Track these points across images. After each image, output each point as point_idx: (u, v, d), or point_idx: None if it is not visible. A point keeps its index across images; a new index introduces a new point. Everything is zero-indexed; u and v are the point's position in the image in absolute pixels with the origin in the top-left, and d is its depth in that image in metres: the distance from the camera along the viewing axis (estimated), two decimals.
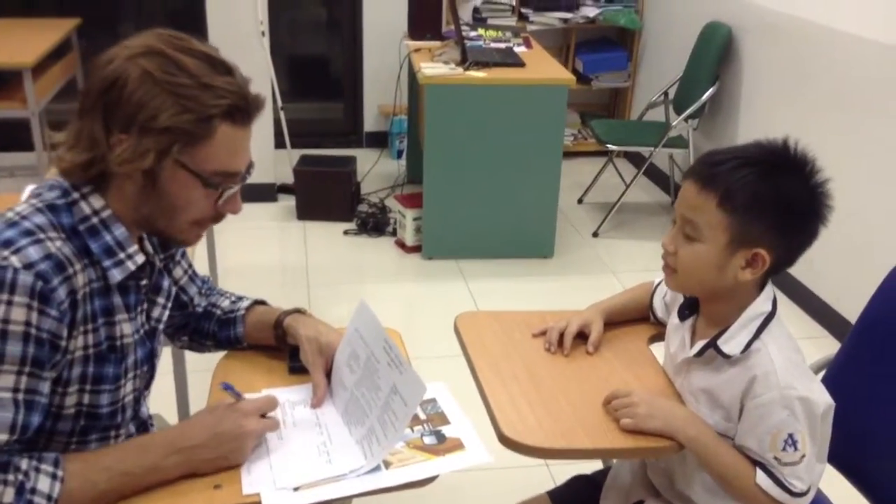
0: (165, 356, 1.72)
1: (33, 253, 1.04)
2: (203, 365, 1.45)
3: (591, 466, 1.63)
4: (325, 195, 4.02)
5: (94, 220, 1.12)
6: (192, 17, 4.12)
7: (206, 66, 1.10)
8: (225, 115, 1.10)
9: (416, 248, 3.74)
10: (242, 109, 1.12)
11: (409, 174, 4.45)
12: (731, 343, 1.26)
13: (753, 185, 1.19)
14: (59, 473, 1.06)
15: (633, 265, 3.71)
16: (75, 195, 1.12)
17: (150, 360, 1.28)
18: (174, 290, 1.36)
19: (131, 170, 1.09)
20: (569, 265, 3.73)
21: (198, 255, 2.43)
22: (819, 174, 1.22)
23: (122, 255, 1.15)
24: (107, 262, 1.13)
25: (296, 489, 1.13)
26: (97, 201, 1.13)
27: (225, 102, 1.09)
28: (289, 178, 4.15)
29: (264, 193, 4.16)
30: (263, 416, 1.23)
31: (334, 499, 1.15)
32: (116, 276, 1.14)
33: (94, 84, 1.09)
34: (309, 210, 4.04)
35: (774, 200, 1.20)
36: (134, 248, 1.17)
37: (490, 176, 3.57)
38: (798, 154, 1.23)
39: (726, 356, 1.26)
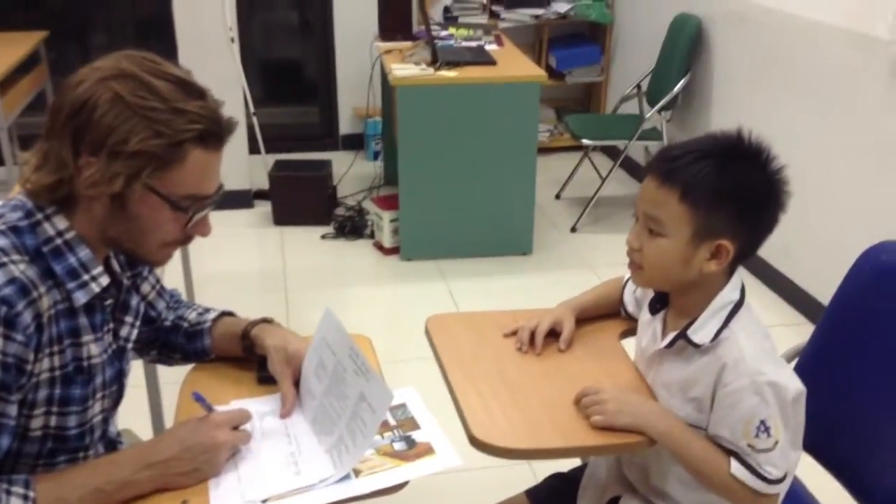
0: (138, 370, 1.71)
1: None
2: (176, 377, 1.44)
3: (570, 464, 1.62)
4: (301, 200, 4.00)
5: (58, 241, 1.11)
6: (160, 26, 4.09)
7: (179, 90, 1.08)
8: (197, 139, 1.09)
9: (395, 250, 3.73)
10: (215, 134, 1.11)
11: (386, 176, 4.44)
12: (701, 332, 1.26)
13: (712, 178, 1.20)
14: (31, 495, 1.05)
15: (612, 259, 3.71)
16: (39, 216, 1.10)
17: (119, 379, 1.26)
18: (142, 307, 1.34)
19: (99, 193, 1.08)
20: (548, 261, 3.73)
21: (172, 264, 2.41)
22: (775, 161, 1.23)
23: (86, 277, 1.13)
24: (71, 285, 1.11)
25: (264, 501, 1.12)
26: (61, 222, 1.11)
27: (197, 127, 1.08)
28: (264, 184, 4.13)
29: (240, 200, 4.13)
30: (235, 428, 1.22)
31: None
32: (81, 298, 1.13)
33: (63, 106, 1.07)
34: (285, 215, 4.02)
35: (734, 191, 1.21)
36: (98, 269, 1.15)
37: (466, 175, 3.56)
38: (753, 143, 1.23)
39: (696, 345, 1.26)
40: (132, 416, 1.65)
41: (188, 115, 1.07)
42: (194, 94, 1.10)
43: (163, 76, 1.08)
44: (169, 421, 2.02)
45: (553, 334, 1.49)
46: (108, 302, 1.20)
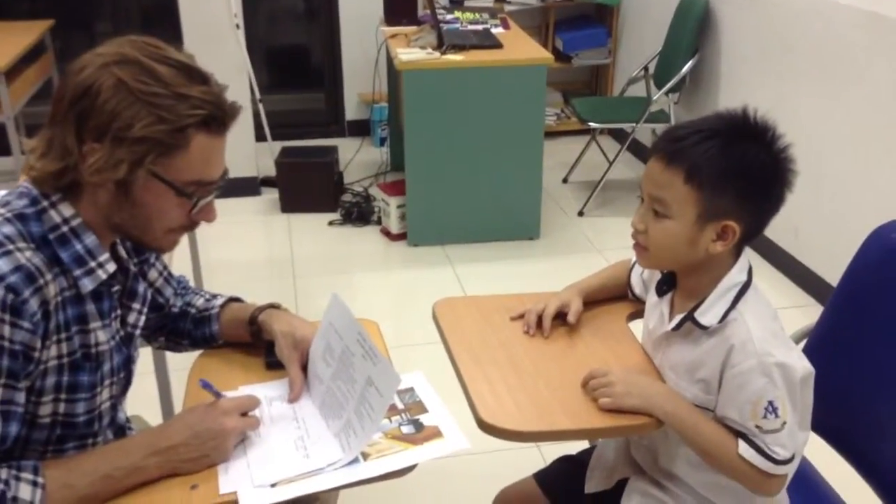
0: (146, 356, 1.72)
1: (3, 265, 1.03)
2: (185, 363, 1.45)
3: (577, 447, 1.62)
4: (307, 186, 4.00)
5: (64, 228, 1.11)
6: (165, 13, 4.08)
7: (182, 75, 1.08)
8: (200, 124, 1.08)
9: (402, 236, 3.73)
10: (218, 119, 1.11)
11: (393, 161, 4.43)
12: (708, 314, 1.26)
13: (718, 158, 1.19)
14: (40, 480, 1.05)
15: (619, 243, 3.69)
16: (45, 203, 1.10)
17: (127, 366, 1.26)
18: (150, 293, 1.35)
19: (104, 180, 1.07)
20: (555, 245, 3.72)
21: (180, 251, 2.42)
22: (780, 140, 1.22)
23: (92, 264, 1.13)
24: (77, 272, 1.11)
25: (273, 485, 1.13)
26: (67, 209, 1.11)
27: (200, 112, 1.08)
28: (271, 171, 4.12)
29: (247, 187, 4.13)
30: (244, 414, 1.22)
31: (315, 492, 1.15)
32: (87, 285, 1.13)
33: (67, 92, 1.07)
34: (292, 202, 4.02)
35: (739, 171, 1.19)
36: (105, 256, 1.15)
37: (472, 160, 3.55)
38: (759, 122, 1.22)
39: (704, 328, 1.26)
40: (141, 403, 1.66)
41: (191, 101, 1.07)
42: (197, 78, 1.09)
43: (166, 61, 1.08)
44: (178, 407, 2.03)
45: (560, 317, 1.49)
46: (116, 288, 1.20)
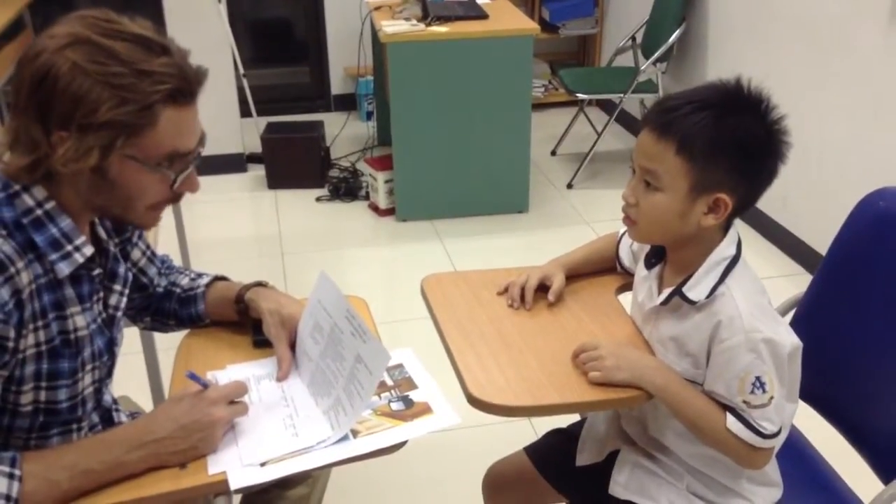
0: (133, 336, 1.70)
1: None
2: (172, 342, 1.43)
3: (568, 419, 1.63)
4: (294, 162, 3.96)
5: (38, 212, 1.08)
6: None
7: (140, 49, 1.03)
8: (167, 99, 1.04)
9: (390, 211, 3.71)
10: (184, 90, 1.07)
11: (380, 136, 4.39)
12: (696, 289, 1.25)
13: (710, 130, 1.17)
14: (17, 473, 1.03)
15: (608, 215, 3.70)
16: (16, 187, 1.07)
17: (110, 348, 1.24)
18: (131, 274, 1.32)
19: (77, 169, 1.04)
20: (544, 218, 3.72)
21: (166, 230, 2.40)
22: (774, 111, 1.20)
23: (69, 248, 1.10)
24: (53, 256, 1.09)
25: (262, 464, 1.12)
26: (40, 192, 1.08)
27: (165, 87, 1.03)
28: (257, 147, 4.09)
29: (233, 164, 4.10)
30: (232, 401, 1.19)
31: (305, 470, 1.15)
32: (64, 269, 1.10)
33: (24, 80, 1.02)
34: (279, 178, 3.99)
35: (732, 143, 1.17)
36: (81, 239, 1.12)
37: (460, 133, 3.53)
38: (752, 93, 1.20)
39: (692, 302, 1.25)
40: (130, 383, 1.65)
41: (154, 76, 1.03)
42: (156, 50, 1.05)
43: (120, 36, 1.03)
44: (166, 386, 2.02)
45: (545, 290, 1.48)
46: (97, 272, 1.18)
